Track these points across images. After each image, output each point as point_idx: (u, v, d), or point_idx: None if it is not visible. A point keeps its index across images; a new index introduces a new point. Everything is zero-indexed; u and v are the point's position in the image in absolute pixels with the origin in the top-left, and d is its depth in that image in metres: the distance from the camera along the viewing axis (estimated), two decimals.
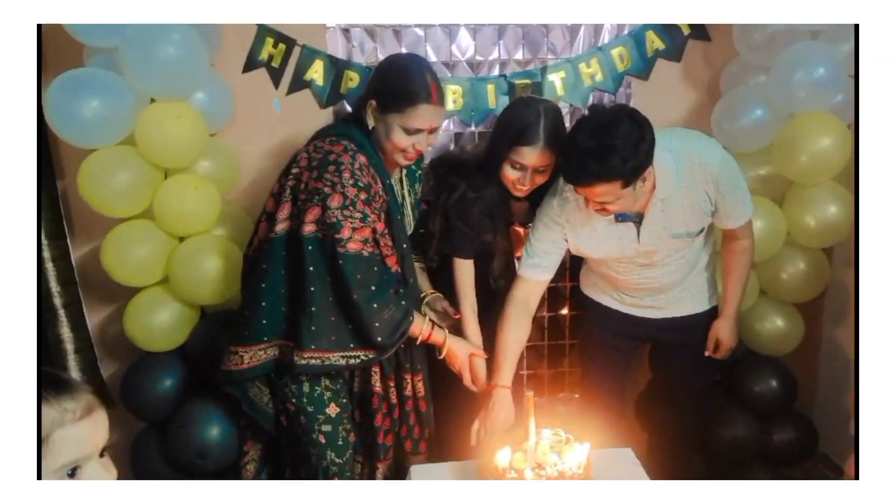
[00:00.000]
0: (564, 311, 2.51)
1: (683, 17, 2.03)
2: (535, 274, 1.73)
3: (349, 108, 2.24)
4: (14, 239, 0.99)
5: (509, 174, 1.67)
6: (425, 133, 1.53)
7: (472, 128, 2.32)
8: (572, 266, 2.46)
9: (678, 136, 1.67)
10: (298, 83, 2.15)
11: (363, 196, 1.50)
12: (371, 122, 1.55)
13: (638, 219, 1.64)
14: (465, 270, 1.79)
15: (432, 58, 2.24)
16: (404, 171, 1.73)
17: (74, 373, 1.96)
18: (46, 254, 1.94)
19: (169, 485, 1.45)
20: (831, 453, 2.41)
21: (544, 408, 2.43)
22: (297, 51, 2.12)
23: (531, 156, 1.62)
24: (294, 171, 1.56)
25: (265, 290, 1.57)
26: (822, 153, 1.94)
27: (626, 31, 2.27)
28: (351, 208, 1.48)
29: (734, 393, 2.22)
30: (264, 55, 2.11)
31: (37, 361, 0.97)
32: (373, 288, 1.50)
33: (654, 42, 2.25)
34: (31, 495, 0.89)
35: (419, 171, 1.81)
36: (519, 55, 2.27)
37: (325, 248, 1.49)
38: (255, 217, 1.77)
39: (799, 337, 2.24)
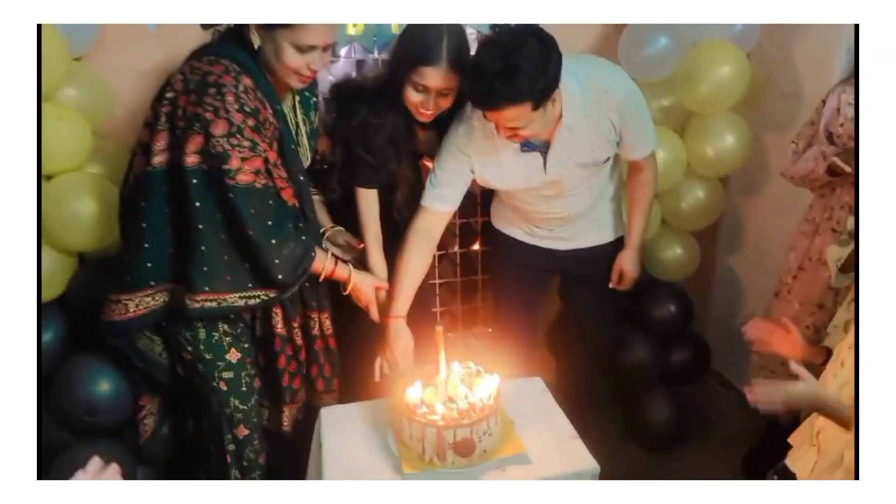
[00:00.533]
0: (476, 247, 2.49)
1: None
2: (438, 204, 1.68)
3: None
4: (13, 238, 0.96)
5: (412, 97, 1.58)
6: (319, 50, 1.39)
7: (375, 55, 2.19)
8: (483, 201, 2.44)
9: (585, 63, 1.63)
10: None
11: (251, 122, 1.36)
12: (256, 42, 1.39)
13: (544, 148, 1.61)
14: (368, 200, 1.71)
15: None
16: (297, 98, 1.58)
17: None
18: None
19: (168, 485, 1.38)
20: (722, 369, 2.60)
21: (457, 343, 2.44)
22: None
23: (434, 77, 1.54)
24: (168, 95, 1.39)
25: (147, 230, 1.42)
26: (721, 82, 1.98)
27: None
28: (238, 136, 1.34)
29: (637, 318, 2.31)
30: None
31: (37, 363, 0.96)
32: (269, 223, 1.39)
33: None
34: (31, 495, 0.91)
35: (314, 99, 1.66)
36: None
37: (212, 180, 1.35)
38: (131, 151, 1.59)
39: (696, 263, 2.35)
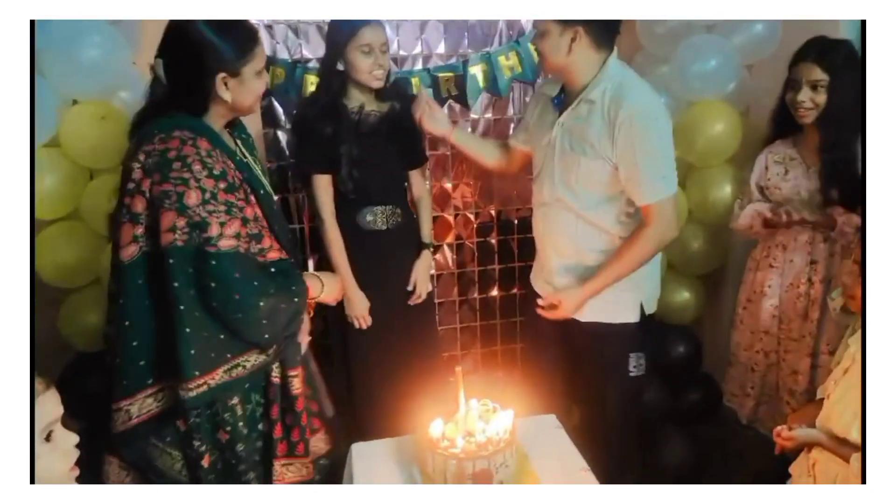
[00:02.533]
0: (494, 293, 2.65)
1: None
2: (512, 141, 1.93)
3: (277, 105, 2.28)
4: (6, 238, 0.97)
5: (362, 63, 1.77)
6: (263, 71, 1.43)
7: None
8: (500, 251, 2.61)
9: (632, 76, 1.64)
10: None
11: (223, 185, 1.32)
12: (227, 96, 1.36)
13: (561, 107, 1.67)
14: (321, 186, 1.89)
15: None
16: (238, 143, 1.52)
17: None
18: None
19: (161, 489, 1.36)
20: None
21: (478, 385, 2.56)
22: None
23: (375, 34, 1.76)
24: (130, 186, 1.32)
25: (130, 328, 1.34)
26: (716, 138, 2.14)
27: None
28: (213, 202, 1.30)
29: (647, 361, 2.37)
30: None
31: (30, 368, 0.96)
32: (255, 283, 1.33)
33: None
34: (25, 499, 0.91)
35: (250, 139, 1.61)
36: (441, 49, 2.38)
37: (190, 254, 1.29)
38: None
39: (702, 306, 2.45)
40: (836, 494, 1.10)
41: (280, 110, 2.30)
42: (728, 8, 1.86)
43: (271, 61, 2.20)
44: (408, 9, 1.98)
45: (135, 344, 1.35)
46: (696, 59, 2.10)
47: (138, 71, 1.97)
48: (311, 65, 2.27)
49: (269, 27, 2.23)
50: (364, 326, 1.95)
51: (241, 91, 1.38)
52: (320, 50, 2.25)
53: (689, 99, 2.18)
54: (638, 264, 1.66)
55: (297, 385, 1.49)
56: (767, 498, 1.17)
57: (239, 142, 1.51)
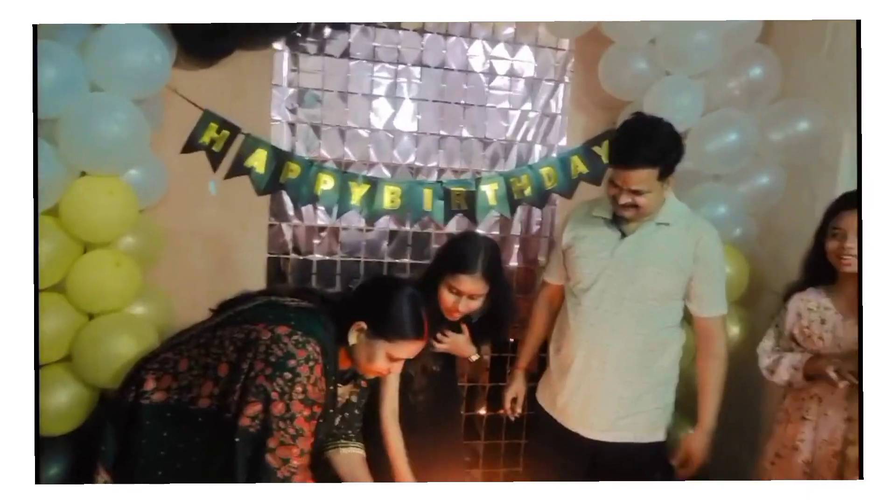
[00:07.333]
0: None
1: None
2: (549, 278, 2.01)
3: (286, 199, 2.27)
4: (9, 249, 1.02)
5: (447, 298, 1.75)
6: (403, 360, 1.55)
7: (407, 227, 2.40)
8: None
9: (685, 207, 1.85)
10: (238, 169, 2.18)
11: (306, 413, 1.41)
12: (353, 340, 1.51)
13: (627, 230, 1.76)
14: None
15: (374, 159, 2.34)
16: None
17: None
18: None
19: (161, 489, 1.34)
20: None
21: None
22: (240, 138, 2.17)
23: (468, 283, 1.72)
24: (249, 354, 1.41)
25: (142, 466, 1.41)
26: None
27: (554, 154, 2.48)
28: (288, 421, 1.39)
29: None
30: (206, 139, 2.14)
31: (34, 370, 1.00)
32: None
33: (579, 166, 2.46)
34: (30, 499, 0.95)
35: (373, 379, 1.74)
36: (456, 164, 2.42)
37: (253, 442, 1.38)
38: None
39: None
40: (836, 490, 1.12)
41: (289, 205, 2.28)
42: (723, 6, 1.80)
43: (289, 157, 2.22)
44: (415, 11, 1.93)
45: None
46: (703, 205, 2.14)
47: (152, 152, 1.98)
48: (326, 164, 2.28)
49: (291, 125, 2.27)
50: None
51: (364, 350, 1.51)
52: (338, 150, 2.30)
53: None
54: (724, 378, 1.82)
55: None
56: (769, 497, 1.18)
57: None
